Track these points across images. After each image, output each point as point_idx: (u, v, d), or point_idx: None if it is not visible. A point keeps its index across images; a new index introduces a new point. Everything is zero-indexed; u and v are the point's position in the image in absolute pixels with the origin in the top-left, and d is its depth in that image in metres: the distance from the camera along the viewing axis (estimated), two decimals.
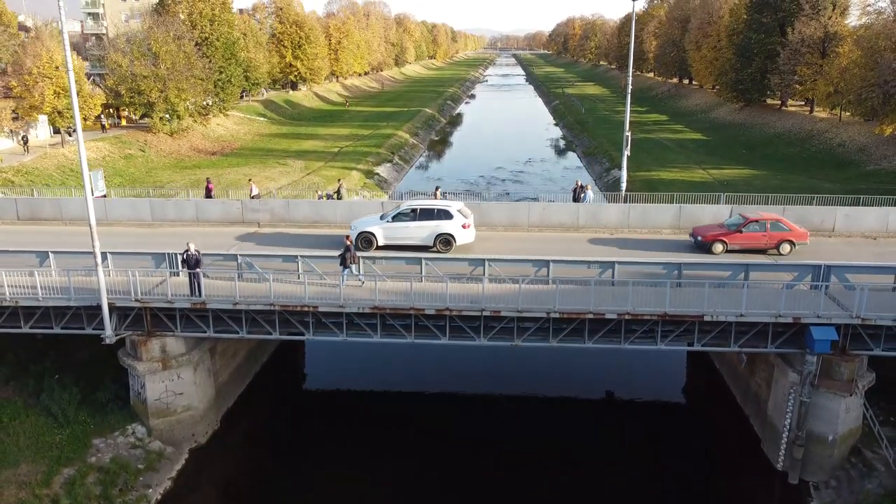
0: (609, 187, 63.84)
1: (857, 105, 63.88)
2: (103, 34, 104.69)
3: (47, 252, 25.23)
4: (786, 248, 27.95)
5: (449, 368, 30.30)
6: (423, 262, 24.37)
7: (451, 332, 23.12)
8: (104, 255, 23.53)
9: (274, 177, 61.33)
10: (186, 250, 22.92)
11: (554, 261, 24.01)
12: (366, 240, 27.76)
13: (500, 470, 23.51)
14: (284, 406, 28.37)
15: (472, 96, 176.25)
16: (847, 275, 23.46)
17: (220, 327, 23.77)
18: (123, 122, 76.64)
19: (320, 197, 37.41)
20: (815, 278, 23.26)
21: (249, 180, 42.14)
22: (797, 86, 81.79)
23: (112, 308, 22.98)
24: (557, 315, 21.95)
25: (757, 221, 27.89)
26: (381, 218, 28.29)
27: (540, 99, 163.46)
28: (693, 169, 64.90)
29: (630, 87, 36.82)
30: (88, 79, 76.86)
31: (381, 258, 24.91)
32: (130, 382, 24.61)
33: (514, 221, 32.25)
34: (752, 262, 23.98)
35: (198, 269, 22.71)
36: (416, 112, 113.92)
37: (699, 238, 28.47)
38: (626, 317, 21.85)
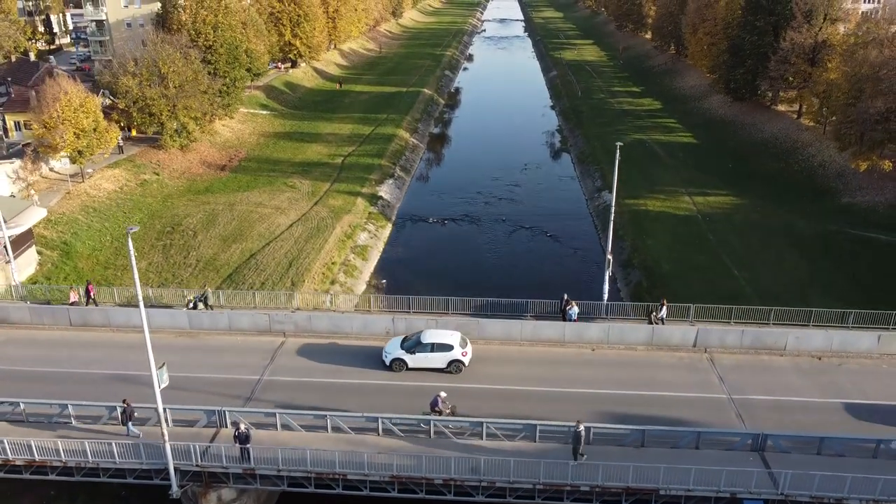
0: (599, 213, 68.14)
1: (836, 139, 67.30)
2: (103, 20, 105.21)
3: (115, 406, 30.06)
4: None
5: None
6: (432, 422, 29.38)
7: (456, 489, 28.34)
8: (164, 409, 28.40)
9: (283, 206, 65.19)
10: (238, 428, 27.80)
11: (541, 425, 29.00)
12: None
13: None
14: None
15: (470, 57, 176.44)
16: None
17: (265, 482, 28.91)
18: (133, 133, 79.52)
19: (189, 301, 39.41)
20: (755, 444, 28.42)
21: (70, 287, 41.44)
22: (788, 91, 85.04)
23: (176, 469, 28.06)
24: (542, 486, 27.17)
25: None
26: None
27: (538, 63, 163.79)
28: (679, 196, 68.79)
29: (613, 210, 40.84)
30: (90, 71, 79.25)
31: (395, 416, 29.77)
32: None
33: (509, 336, 37.00)
34: (704, 430, 28.96)
35: (248, 445, 27.66)
36: (416, 95, 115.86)
37: None
38: (597, 489, 27.08)
